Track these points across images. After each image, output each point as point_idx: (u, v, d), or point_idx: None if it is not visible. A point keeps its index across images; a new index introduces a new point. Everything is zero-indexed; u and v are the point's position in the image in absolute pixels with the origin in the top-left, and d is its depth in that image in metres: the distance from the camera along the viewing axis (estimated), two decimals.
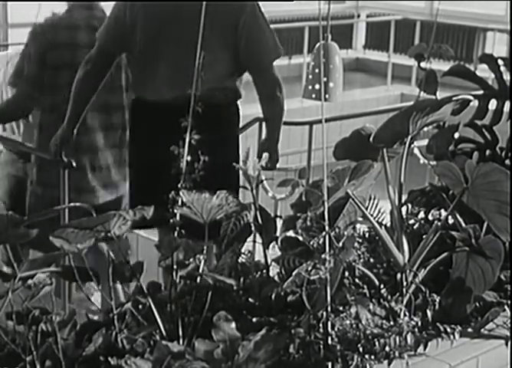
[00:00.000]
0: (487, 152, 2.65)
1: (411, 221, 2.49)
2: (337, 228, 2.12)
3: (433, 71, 2.59)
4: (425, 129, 2.23)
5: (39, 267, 1.78)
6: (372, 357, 1.91)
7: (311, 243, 2.03)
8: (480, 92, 2.72)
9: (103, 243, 1.84)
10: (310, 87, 4.27)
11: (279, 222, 2.19)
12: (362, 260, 2.20)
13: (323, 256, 1.87)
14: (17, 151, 3.95)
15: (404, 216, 2.39)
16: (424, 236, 2.25)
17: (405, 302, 2.10)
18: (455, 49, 11.11)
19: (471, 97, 2.72)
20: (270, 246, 2.16)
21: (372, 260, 2.27)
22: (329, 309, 1.88)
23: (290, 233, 2.12)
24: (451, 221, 2.30)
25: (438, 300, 2.13)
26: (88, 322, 1.89)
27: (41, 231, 1.75)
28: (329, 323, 1.88)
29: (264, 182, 2.40)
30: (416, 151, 3.75)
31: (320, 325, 1.88)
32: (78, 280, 1.82)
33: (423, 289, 2.11)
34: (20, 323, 1.75)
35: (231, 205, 1.91)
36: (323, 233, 1.91)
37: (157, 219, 1.82)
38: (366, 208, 2.29)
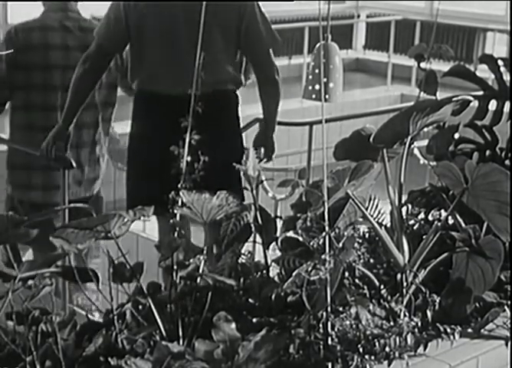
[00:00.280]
0: (487, 152, 2.65)
1: (411, 222, 2.49)
2: (337, 228, 2.12)
3: (433, 72, 2.59)
4: (425, 129, 2.23)
5: (39, 267, 1.78)
6: (372, 358, 1.91)
7: (311, 243, 2.03)
8: (480, 92, 2.72)
9: None
10: (310, 88, 4.27)
11: (279, 223, 2.19)
12: (362, 260, 2.20)
13: (323, 256, 1.87)
14: None
15: (404, 217, 2.39)
16: (424, 236, 2.25)
17: (405, 302, 2.10)
18: (455, 49, 11.11)
19: (471, 98, 2.72)
20: (270, 246, 2.16)
21: (372, 260, 2.27)
22: (329, 309, 1.88)
23: (290, 233, 2.12)
24: (451, 221, 2.30)
25: (438, 300, 2.13)
26: (88, 322, 1.89)
27: None
28: (329, 324, 1.88)
29: (264, 182, 2.41)
30: (416, 151, 3.75)
31: (320, 325, 1.88)
32: (78, 281, 1.82)
33: (423, 289, 2.12)
34: (20, 324, 1.75)
35: (231, 205, 1.91)
36: (323, 233, 1.91)
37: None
38: (366, 209, 2.29)
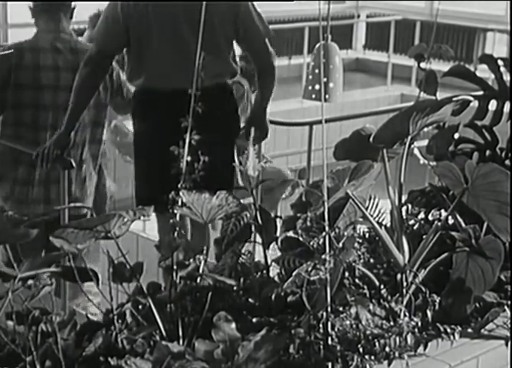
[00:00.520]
0: (487, 152, 2.65)
1: (412, 222, 2.49)
2: (337, 228, 2.12)
3: (433, 72, 2.59)
4: (425, 129, 2.23)
5: (39, 267, 1.78)
6: (372, 357, 1.91)
7: (311, 243, 2.03)
8: (480, 92, 2.72)
9: None
10: (310, 88, 4.27)
11: (279, 222, 2.19)
12: (362, 260, 2.20)
13: (323, 256, 1.87)
14: None
15: (404, 216, 2.39)
16: (424, 236, 2.25)
17: (405, 302, 2.10)
18: (455, 49, 11.10)
19: (471, 98, 2.72)
20: (271, 246, 2.16)
21: (372, 260, 2.27)
22: (329, 309, 1.88)
23: (290, 233, 2.12)
24: (451, 221, 2.30)
25: (438, 300, 2.13)
26: (88, 322, 1.89)
27: None
28: (329, 324, 1.88)
29: None
30: (416, 151, 3.75)
31: (320, 325, 1.88)
32: (78, 281, 1.82)
33: (423, 289, 2.11)
34: (20, 324, 1.75)
35: (231, 205, 1.91)
36: (323, 233, 1.91)
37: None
38: (366, 209, 2.29)
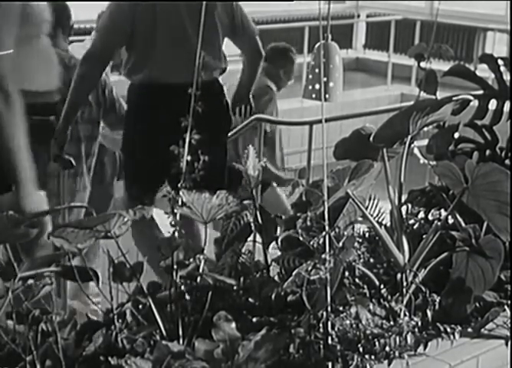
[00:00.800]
0: (487, 152, 2.65)
1: (411, 221, 2.49)
2: (337, 228, 2.12)
3: (433, 71, 2.59)
4: (425, 129, 2.23)
5: (39, 267, 1.78)
6: (372, 357, 1.91)
7: (311, 243, 2.03)
8: (480, 92, 2.72)
9: None
10: (310, 87, 4.27)
11: (279, 222, 2.19)
12: (362, 260, 2.20)
13: (323, 256, 1.87)
14: None
15: (404, 216, 2.38)
16: (424, 236, 2.25)
17: (405, 302, 2.10)
18: (455, 49, 11.11)
19: (471, 97, 2.72)
20: (271, 246, 2.16)
21: (372, 260, 2.27)
22: (329, 309, 1.88)
23: (290, 233, 2.12)
24: (451, 221, 2.30)
25: (438, 300, 2.12)
26: (88, 322, 1.89)
27: None
28: (329, 323, 1.88)
29: None
30: (416, 151, 3.75)
31: (320, 325, 1.88)
32: (78, 280, 1.82)
33: (423, 289, 2.11)
34: (20, 323, 1.75)
35: (231, 204, 1.91)
36: (323, 233, 1.91)
37: None
38: (366, 208, 2.29)
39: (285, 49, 5.61)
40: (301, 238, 2.07)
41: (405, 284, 2.12)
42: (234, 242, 2.13)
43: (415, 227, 2.47)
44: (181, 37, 3.49)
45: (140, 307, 1.90)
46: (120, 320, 1.84)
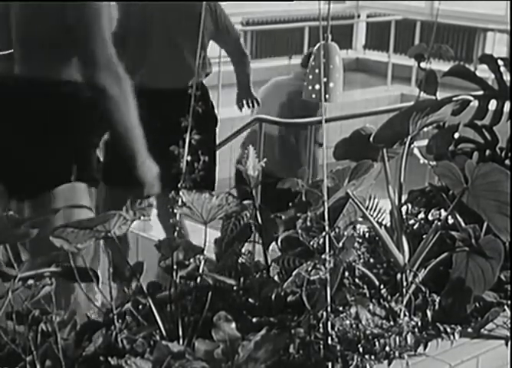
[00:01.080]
0: (487, 152, 2.65)
1: (411, 222, 2.49)
2: (337, 228, 2.12)
3: (433, 71, 2.59)
4: (425, 129, 2.23)
5: (39, 267, 1.78)
6: (372, 357, 1.91)
7: (311, 243, 2.03)
8: (480, 92, 2.72)
9: None
10: (310, 88, 4.26)
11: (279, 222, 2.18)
12: (362, 260, 2.20)
13: (323, 256, 1.87)
14: None
15: (404, 216, 2.39)
16: (424, 236, 2.25)
17: (405, 302, 2.10)
18: (455, 49, 11.12)
19: (471, 98, 2.72)
20: (270, 246, 2.16)
21: (372, 260, 2.27)
22: (329, 309, 1.88)
23: (290, 233, 2.12)
24: (450, 221, 2.30)
25: (437, 300, 2.13)
26: (88, 322, 1.89)
27: None
28: (329, 324, 1.88)
29: None
30: (416, 151, 3.75)
31: (320, 325, 1.88)
32: (78, 280, 1.82)
33: (423, 289, 2.11)
34: (20, 323, 1.75)
35: (231, 205, 1.91)
36: (323, 233, 1.91)
37: None
38: (366, 209, 2.29)
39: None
40: (301, 239, 2.07)
41: (404, 284, 2.12)
42: (234, 242, 2.13)
43: (415, 227, 2.47)
44: (169, 44, 3.58)
45: (140, 307, 1.91)
46: (120, 321, 1.84)
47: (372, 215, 2.32)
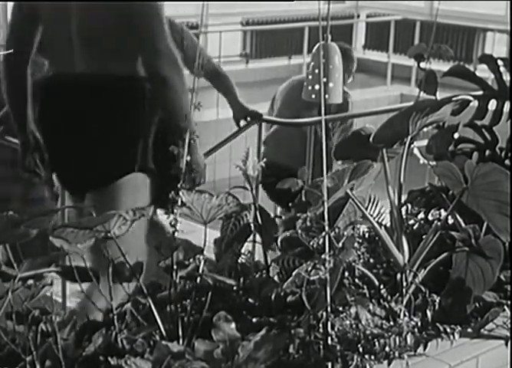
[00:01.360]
0: (487, 152, 2.65)
1: (411, 222, 2.49)
2: (337, 228, 2.12)
3: (433, 72, 2.59)
4: (425, 129, 2.23)
5: (39, 267, 1.78)
6: (372, 357, 1.91)
7: (311, 243, 2.03)
8: (480, 92, 2.72)
9: None
10: (310, 88, 4.26)
11: (279, 222, 2.19)
12: (361, 260, 2.20)
13: (322, 256, 1.87)
14: None
15: (404, 216, 2.39)
16: (424, 236, 2.25)
17: (404, 302, 2.10)
18: (455, 49, 11.12)
19: (471, 98, 2.72)
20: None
21: (371, 260, 2.27)
22: (329, 309, 1.88)
23: (290, 233, 2.12)
24: (450, 221, 2.30)
25: (437, 300, 2.13)
26: (88, 322, 1.89)
27: None
28: (329, 324, 1.88)
29: None
30: (416, 151, 3.75)
31: (320, 325, 1.88)
32: (78, 280, 1.82)
33: (423, 289, 2.11)
34: (20, 323, 1.75)
35: (230, 205, 1.91)
36: (323, 233, 1.91)
37: None
38: (366, 209, 2.29)
39: (346, 49, 5.59)
40: (301, 239, 2.07)
41: (404, 284, 2.12)
42: (233, 242, 2.13)
43: (414, 227, 2.47)
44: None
45: (140, 307, 1.91)
46: (120, 321, 1.84)
47: (371, 215, 2.32)
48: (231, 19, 12.09)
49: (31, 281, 1.75)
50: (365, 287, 2.10)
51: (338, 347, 1.87)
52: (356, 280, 2.11)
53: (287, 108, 5.12)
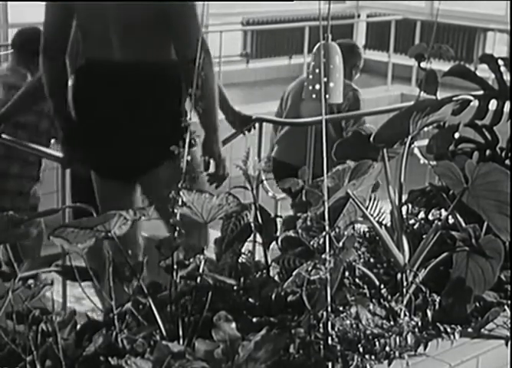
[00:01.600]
0: (487, 152, 2.65)
1: (412, 221, 2.49)
2: (337, 228, 2.12)
3: (433, 71, 2.59)
4: (425, 129, 2.23)
5: (39, 267, 1.78)
6: (373, 357, 1.91)
7: (311, 243, 2.03)
8: (481, 92, 2.72)
9: None
10: (311, 87, 4.26)
11: (279, 222, 2.19)
12: (362, 260, 2.20)
13: (323, 256, 1.87)
14: None
15: (404, 216, 2.38)
16: (424, 236, 2.25)
17: (405, 302, 2.10)
18: (455, 49, 11.11)
19: (472, 97, 2.72)
20: (271, 246, 2.16)
21: (372, 260, 2.27)
22: (329, 309, 1.88)
23: (290, 233, 2.12)
24: (451, 221, 2.30)
25: (438, 300, 2.13)
26: (88, 322, 1.89)
27: None
28: (329, 323, 1.88)
29: (265, 182, 2.42)
30: (416, 151, 3.75)
31: (320, 325, 1.88)
32: (78, 280, 1.82)
33: (423, 289, 2.11)
34: (20, 323, 1.75)
35: (231, 204, 1.91)
36: (323, 233, 1.91)
37: None
38: (366, 208, 2.29)
39: (353, 46, 5.59)
40: (301, 238, 2.07)
41: (405, 284, 2.12)
42: (234, 242, 2.13)
43: (415, 227, 2.47)
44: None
45: (140, 307, 1.90)
46: (120, 321, 1.84)
47: (372, 215, 2.32)
48: (232, 19, 12.09)
49: (31, 281, 1.75)
50: (365, 286, 2.10)
51: (338, 347, 1.87)
52: (357, 279, 2.11)
53: (297, 107, 5.12)
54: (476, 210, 2.10)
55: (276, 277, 2.10)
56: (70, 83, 3.39)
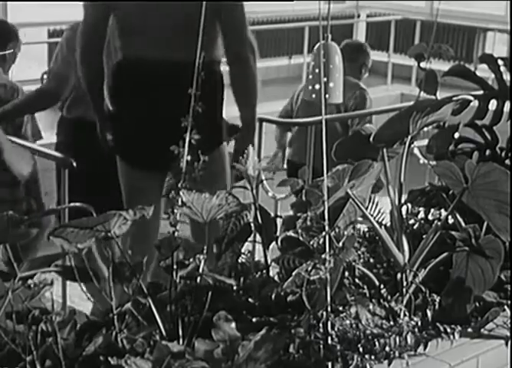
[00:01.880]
0: (487, 152, 2.65)
1: (411, 221, 2.49)
2: (337, 227, 2.12)
3: (433, 71, 2.59)
4: (425, 129, 2.23)
5: (39, 267, 1.78)
6: (372, 357, 1.91)
7: (311, 243, 2.03)
8: (481, 92, 2.72)
9: None
10: (310, 87, 4.26)
11: (279, 222, 2.19)
12: (362, 260, 2.20)
13: (323, 256, 1.87)
14: None
15: (404, 216, 2.39)
16: (424, 236, 2.25)
17: (405, 302, 2.10)
18: (455, 49, 11.11)
19: (471, 97, 2.72)
20: (270, 246, 2.16)
21: (372, 260, 2.27)
22: (329, 309, 1.88)
23: (290, 233, 2.12)
24: (451, 221, 2.30)
25: (438, 300, 2.13)
26: (88, 322, 1.89)
27: None
28: (329, 323, 1.88)
29: (264, 182, 2.41)
30: (416, 151, 3.75)
31: (320, 325, 1.88)
32: (78, 280, 1.82)
33: (423, 289, 2.11)
34: (20, 323, 1.75)
35: (231, 204, 1.91)
36: (323, 233, 1.91)
37: None
38: (366, 208, 2.29)
39: (361, 45, 5.60)
40: (301, 238, 2.07)
41: (405, 284, 2.12)
42: (234, 242, 2.13)
43: (415, 227, 2.47)
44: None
45: (140, 307, 1.90)
46: (120, 321, 1.84)
47: (372, 215, 2.32)
48: None
49: (30, 281, 1.75)
50: (365, 286, 2.10)
51: (338, 347, 1.87)
52: (356, 279, 2.11)
53: (307, 107, 5.12)
54: (476, 210, 2.10)
55: (276, 277, 2.10)
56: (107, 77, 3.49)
